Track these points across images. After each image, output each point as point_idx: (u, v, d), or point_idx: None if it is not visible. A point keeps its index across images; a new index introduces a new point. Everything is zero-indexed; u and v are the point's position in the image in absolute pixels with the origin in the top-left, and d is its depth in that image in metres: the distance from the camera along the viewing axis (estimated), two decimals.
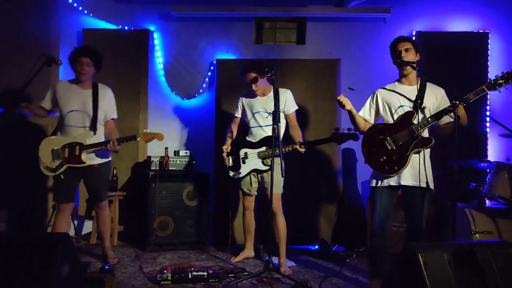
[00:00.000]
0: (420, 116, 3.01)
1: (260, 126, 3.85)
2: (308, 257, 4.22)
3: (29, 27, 4.52)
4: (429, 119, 2.94)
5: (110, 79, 4.80)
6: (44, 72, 3.96)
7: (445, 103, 3.03)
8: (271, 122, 3.62)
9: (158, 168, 4.52)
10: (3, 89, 4.07)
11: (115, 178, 4.72)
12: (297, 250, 4.42)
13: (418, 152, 3.00)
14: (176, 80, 5.15)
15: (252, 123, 3.90)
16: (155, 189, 4.34)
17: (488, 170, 3.85)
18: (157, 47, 5.11)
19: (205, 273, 3.39)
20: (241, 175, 3.88)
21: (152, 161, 4.58)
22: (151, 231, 4.31)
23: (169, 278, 3.32)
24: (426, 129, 3.04)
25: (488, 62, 4.90)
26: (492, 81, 2.76)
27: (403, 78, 3.18)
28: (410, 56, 3.10)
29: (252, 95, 3.90)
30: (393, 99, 3.15)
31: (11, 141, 3.90)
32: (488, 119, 4.84)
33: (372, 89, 3.32)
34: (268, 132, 3.78)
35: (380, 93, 3.24)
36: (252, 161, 3.84)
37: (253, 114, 3.88)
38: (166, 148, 4.64)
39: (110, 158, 3.75)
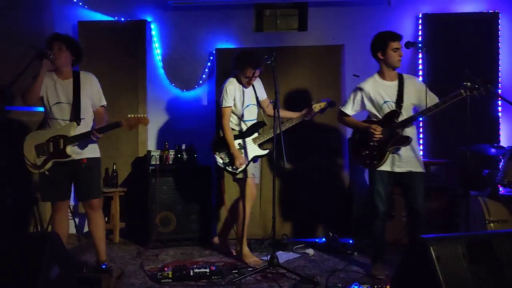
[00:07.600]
0: (403, 114, 3.21)
1: (251, 120, 3.83)
2: (315, 250, 4.08)
3: (22, 21, 4.36)
4: (408, 119, 3.18)
5: (108, 72, 4.71)
6: (37, 66, 3.83)
7: (422, 89, 3.19)
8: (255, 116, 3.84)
9: (158, 163, 4.40)
10: None
11: (115, 174, 4.61)
12: (303, 243, 4.28)
13: (397, 150, 3.18)
14: (175, 71, 5.00)
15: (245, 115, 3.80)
16: (156, 184, 4.22)
17: (501, 156, 3.69)
18: (154, 38, 4.97)
19: (208, 270, 3.27)
20: (243, 167, 3.71)
21: (152, 155, 4.46)
22: (152, 228, 4.20)
23: (170, 275, 3.22)
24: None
25: (499, 43, 4.69)
26: (469, 85, 2.94)
27: (385, 73, 3.29)
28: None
29: (243, 86, 3.76)
30: (377, 96, 3.29)
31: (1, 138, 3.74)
32: (500, 103, 4.64)
33: None
34: (249, 123, 3.81)
35: (365, 90, 3.34)
36: (250, 149, 3.72)
37: (247, 106, 3.77)
38: (166, 142, 4.54)
39: (99, 156, 3.41)
